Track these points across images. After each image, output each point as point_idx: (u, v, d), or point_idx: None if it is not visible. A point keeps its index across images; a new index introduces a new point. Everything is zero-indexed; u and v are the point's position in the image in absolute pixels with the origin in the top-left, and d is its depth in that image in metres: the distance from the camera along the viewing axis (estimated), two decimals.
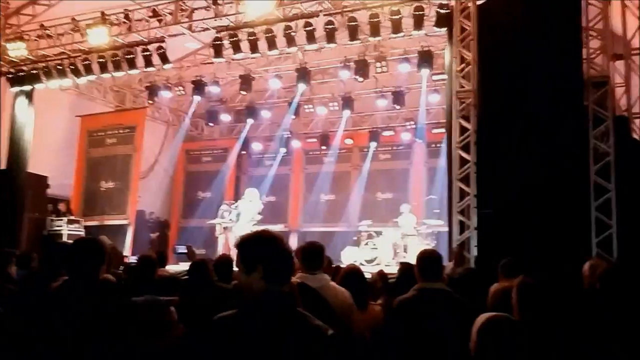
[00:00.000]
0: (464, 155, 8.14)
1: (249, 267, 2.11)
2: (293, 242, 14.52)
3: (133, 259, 10.53)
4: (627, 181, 7.12)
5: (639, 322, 2.62)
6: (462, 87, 8.37)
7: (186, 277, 4.69)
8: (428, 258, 3.65)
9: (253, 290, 2.08)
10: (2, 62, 12.70)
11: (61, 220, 12.82)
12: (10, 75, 12.71)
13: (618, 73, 7.98)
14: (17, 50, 12.05)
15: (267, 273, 2.06)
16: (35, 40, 12.30)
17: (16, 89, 12.78)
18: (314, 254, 3.72)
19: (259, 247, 2.11)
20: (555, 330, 2.24)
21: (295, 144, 17.20)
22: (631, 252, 6.71)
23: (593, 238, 7.08)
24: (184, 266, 8.13)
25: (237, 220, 12.79)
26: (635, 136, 7.70)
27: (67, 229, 12.59)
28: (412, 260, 8.28)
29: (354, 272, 3.93)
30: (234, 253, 10.34)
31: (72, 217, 13.17)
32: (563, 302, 2.36)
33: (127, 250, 13.47)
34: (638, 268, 5.51)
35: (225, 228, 13.09)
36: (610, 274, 2.99)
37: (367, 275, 6.06)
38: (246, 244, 2.16)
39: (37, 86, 12.80)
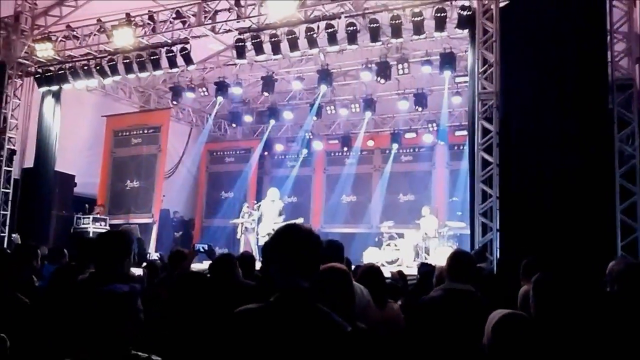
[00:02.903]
0: (487, 157, 8.09)
1: (271, 262, 2.14)
2: None
3: (155, 256, 10.71)
4: None
5: None
6: (485, 88, 8.33)
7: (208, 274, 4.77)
8: (458, 259, 3.62)
9: (275, 285, 2.12)
10: (30, 63, 13.00)
11: (88, 218, 13.06)
12: (37, 76, 12.99)
13: None
14: (44, 51, 12.32)
15: (287, 268, 2.08)
16: (62, 41, 12.56)
17: (44, 89, 13.05)
18: (332, 252, 3.76)
19: (281, 242, 2.13)
20: (571, 329, 2.23)
21: (317, 145, 17.25)
22: None
23: (618, 241, 6.99)
24: (207, 264, 8.23)
25: (259, 220, 12.89)
26: None
27: (93, 227, 12.82)
28: (433, 262, 8.30)
29: (373, 270, 3.95)
30: (256, 253, 10.43)
31: (97, 216, 13.40)
32: (581, 301, 2.35)
33: (151, 248, 13.68)
34: None
35: (246, 229, 13.20)
36: (626, 274, 2.96)
37: (387, 275, 6.09)
38: (270, 239, 2.18)
39: (64, 86, 13.05)
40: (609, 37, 7.41)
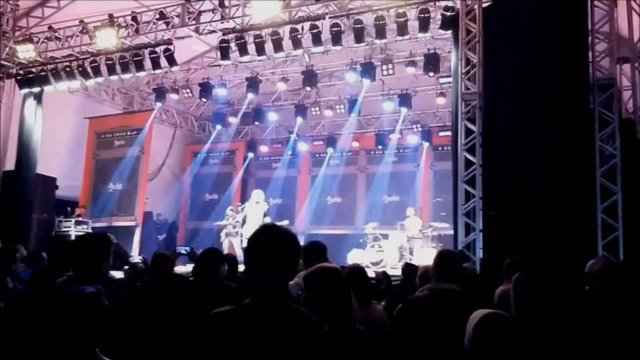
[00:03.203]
0: (470, 157, 8.13)
1: (250, 263, 2.14)
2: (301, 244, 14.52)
3: (138, 259, 10.61)
4: (633, 184, 7.08)
5: (633, 322, 2.61)
6: (468, 89, 8.37)
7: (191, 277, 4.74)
8: (445, 258, 3.61)
9: (253, 286, 2.11)
10: (11, 64, 12.83)
11: (69, 221, 12.91)
12: (19, 77, 12.82)
13: (625, 76, 7.94)
14: (26, 52, 12.18)
15: (264, 268, 2.08)
16: (44, 42, 12.43)
17: (25, 90, 12.89)
18: (315, 253, 3.74)
19: (257, 242, 2.13)
20: (551, 328, 2.24)
21: (302, 146, 17.24)
22: (637, 254, 6.68)
23: (599, 241, 7.05)
24: (190, 267, 8.18)
25: (243, 222, 12.84)
26: None
27: (75, 230, 12.67)
28: (418, 262, 8.31)
29: (356, 271, 3.94)
30: (240, 256, 10.38)
31: (79, 219, 13.25)
32: (561, 300, 2.36)
33: (134, 251, 13.55)
34: None
35: (228, 233, 13.13)
36: (605, 273, 2.98)
37: (371, 275, 6.08)
38: (248, 239, 2.19)
39: (46, 88, 12.90)
40: (590, 38, 7.49)
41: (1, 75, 12.88)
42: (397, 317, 3.50)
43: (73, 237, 12.26)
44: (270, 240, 2.11)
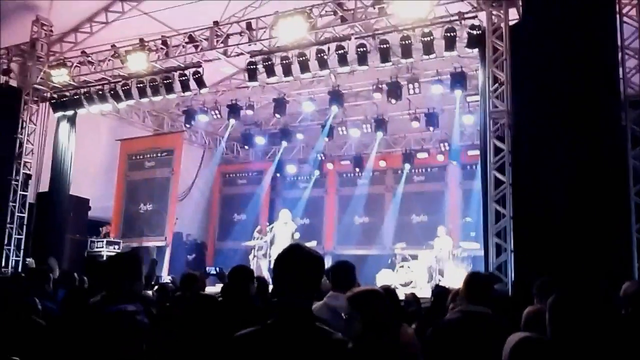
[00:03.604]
0: (499, 176, 8.04)
1: (275, 282, 2.17)
2: (327, 265, 14.48)
3: (167, 279, 10.70)
4: None
5: None
6: (496, 107, 8.31)
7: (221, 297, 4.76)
8: (475, 281, 3.60)
9: (277, 305, 2.14)
10: (45, 88, 13.22)
11: (102, 241, 13.13)
12: (53, 101, 13.20)
13: None
14: (60, 77, 12.53)
15: (287, 287, 2.12)
16: (77, 66, 12.77)
17: (59, 114, 13.24)
18: (344, 273, 3.73)
19: (281, 261, 2.17)
20: (587, 352, 2.18)
21: (329, 166, 17.28)
22: None
23: (635, 261, 6.86)
24: (219, 287, 8.20)
25: (272, 242, 12.88)
26: None
27: (107, 250, 12.88)
28: (447, 284, 8.20)
29: (387, 293, 3.90)
30: (268, 277, 10.43)
31: (111, 239, 13.47)
32: (597, 323, 2.30)
33: (164, 271, 13.69)
34: None
35: (255, 256, 13.17)
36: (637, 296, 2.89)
37: (401, 297, 6.02)
38: (275, 259, 2.23)
39: (79, 111, 13.22)
40: (620, 54, 7.38)
41: (36, 99, 13.27)
42: (429, 340, 3.46)
43: (105, 257, 12.46)
44: (294, 260, 2.15)
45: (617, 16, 7.41)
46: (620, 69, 7.36)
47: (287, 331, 2.05)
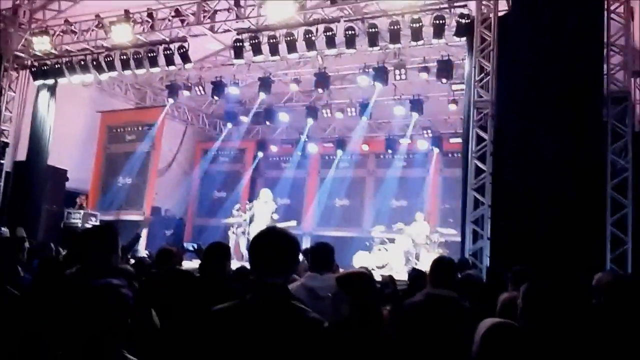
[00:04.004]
0: (480, 165, 8.11)
1: (252, 264, 2.21)
2: (306, 245, 14.55)
3: (144, 253, 10.66)
4: None
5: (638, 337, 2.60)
6: (481, 97, 8.35)
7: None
8: (440, 265, 3.67)
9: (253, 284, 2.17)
10: (26, 56, 12.94)
11: (79, 213, 12.99)
12: (34, 69, 12.93)
13: (638, 89, 7.90)
14: (41, 45, 12.28)
15: (262, 266, 2.16)
16: (60, 35, 12.52)
17: (39, 82, 12.99)
18: (322, 255, 3.76)
19: (257, 242, 2.23)
20: (558, 340, 2.23)
21: (312, 148, 17.26)
22: None
23: (608, 253, 7.01)
24: (197, 263, 8.19)
25: (251, 220, 12.87)
26: None
27: (84, 222, 12.75)
28: (424, 267, 8.28)
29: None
30: (245, 255, 10.41)
31: (88, 211, 13.33)
32: (569, 312, 2.36)
33: (141, 245, 13.61)
34: None
35: (235, 232, 13.17)
36: (613, 286, 2.96)
37: (378, 279, 6.07)
38: (252, 241, 2.28)
39: (60, 80, 13.00)
40: (605, 50, 7.45)
41: (16, 66, 13.00)
42: (395, 322, 3.52)
43: (81, 228, 12.34)
44: (270, 241, 2.20)
45: (605, 12, 7.46)
46: (605, 65, 7.42)
47: (263, 308, 2.08)
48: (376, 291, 2.68)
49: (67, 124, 13.72)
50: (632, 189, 7.11)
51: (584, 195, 6.88)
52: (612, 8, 7.66)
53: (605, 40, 7.46)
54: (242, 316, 2.08)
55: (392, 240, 12.66)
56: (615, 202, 7.15)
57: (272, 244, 2.18)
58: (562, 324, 2.29)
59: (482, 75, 8.41)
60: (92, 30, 12.18)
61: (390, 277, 5.67)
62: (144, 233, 13.88)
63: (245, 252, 12.48)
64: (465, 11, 9.36)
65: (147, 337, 2.68)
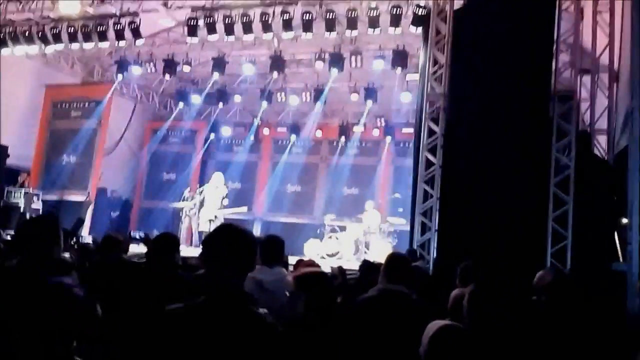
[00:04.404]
0: (431, 157, 8.22)
1: (207, 261, 2.15)
2: (256, 231, 14.50)
3: (88, 239, 10.35)
4: (585, 195, 7.30)
5: (580, 335, 2.70)
6: (434, 89, 8.43)
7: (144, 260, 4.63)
8: (396, 261, 3.69)
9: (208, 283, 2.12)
10: None
11: (19, 191, 12.47)
12: None
13: (585, 88, 8.15)
14: None
15: (221, 268, 2.10)
16: (3, 2, 11.88)
17: None
18: (273, 248, 3.73)
19: (216, 242, 2.16)
20: (503, 341, 2.29)
21: (265, 131, 17.11)
22: (583, 264, 6.90)
23: (548, 248, 7.25)
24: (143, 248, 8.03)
25: (201, 204, 12.69)
26: (596, 152, 7.89)
27: (24, 201, 12.26)
28: (373, 257, 8.38)
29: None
30: (196, 238, 10.28)
31: (30, 190, 12.81)
32: (513, 313, 2.43)
33: (86, 227, 13.23)
34: (587, 280, 5.70)
35: (187, 214, 12.97)
36: (554, 285, 3.06)
37: (327, 270, 6.09)
38: (206, 238, 2.23)
39: (3, 51, 12.38)
40: (554, 47, 7.63)
41: None
42: (347, 316, 3.54)
43: (22, 209, 11.86)
44: (227, 242, 2.14)
45: (557, 10, 7.62)
46: (554, 63, 7.61)
47: (219, 311, 2.04)
48: (332, 290, 2.67)
49: (8, 98, 13.05)
50: (574, 186, 7.36)
51: (528, 190, 7.08)
52: (563, 7, 7.84)
53: (555, 38, 7.63)
54: (197, 319, 2.04)
55: (343, 228, 12.75)
56: (557, 199, 7.38)
57: (230, 246, 2.12)
58: (506, 324, 2.35)
59: (436, 68, 8.49)
60: (38, 0, 11.62)
61: (340, 268, 5.71)
62: (89, 214, 13.49)
63: (196, 236, 12.31)
64: (422, 2, 9.41)
65: (91, 330, 2.59)
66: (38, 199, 12.63)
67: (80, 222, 9.96)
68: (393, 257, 3.75)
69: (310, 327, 2.58)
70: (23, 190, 12.51)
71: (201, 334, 2.00)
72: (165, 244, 3.81)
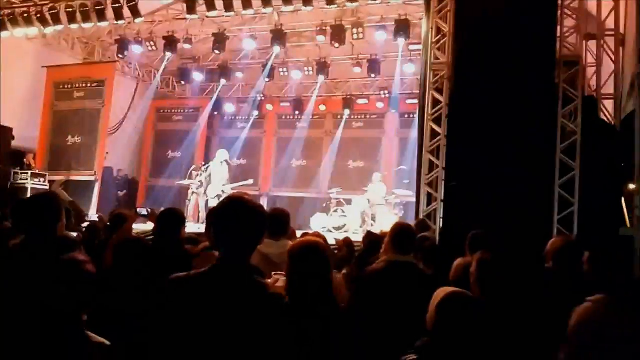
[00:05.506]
0: (435, 127, 8.15)
1: (215, 232, 2.12)
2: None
3: (95, 217, 10.41)
4: (591, 161, 7.25)
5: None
6: (437, 59, 8.32)
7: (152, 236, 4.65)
8: (402, 232, 3.68)
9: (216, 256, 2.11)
10: None
11: (26, 173, 12.53)
12: None
13: (590, 53, 8.03)
14: None
15: (229, 239, 2.07)
16: None
17: None
18: (278, 221, 3.73)
19: (226, 214, 2.12)
20: (512, 308, 2.29)
21: (268, 107, 17.03)
22: (590, 230, 6.89)
23: (555, 215, 7.23)
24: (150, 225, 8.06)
25: (208, 181, 12.71)
26: (602, 117, 7.81)
27: (31, 183, 12.32)
28: (379, 229, 8.37)
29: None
30: (204, 215, 10.29)
31: (36, 171, 12.86)
32: (522, 280, 2.42)
33: (93, 206, 13.31)
34: (594, 246, 5.68)
35: (195, 192, 13.00)
36: (562, 252, 3.05)
37: (333, 242, 6.11)
38: (216, 208, 2.19)
39: (2, 34, 12.30)
40: (559, 13, 7.50)
41: None
42: (355, 289, 3.55)
43: (29, 191, 11.91)
44: (237, 215, 2.09)
45: None
46: (558, 28, 7.49)
47: (222, 280, 2.03)
48: (327, 261, 2.60)
49: (10, 80, 13.02)
50: (580, 152, 7.31)
51: (535, 157, 7.04)
52: None
53: (559, 2, 7.50)
54: (200, 287, 2.03)
55: (349, 202, 12.76)
56: (563, 165, 7.33)
57: (239, 218, 2.07)
58: (516, 292, 2.35)
59: (439, 37, 8.37)
60: None
61: (346, 240, 5.71)
62: (95, 194, 13.55)
63: (203, 215, 12.35)
64: None
65: (98, 307, 2.61)
66: (45, 180, 12.68)
67: (73, 204, 9.97)
68: (399, 228, 3.73)
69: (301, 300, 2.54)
70: (30, 172, 12.56)
71: (204, 300, 2.00)
72: (170, 218, 3.82)
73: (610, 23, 7.88)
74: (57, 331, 2.00)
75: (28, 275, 2.19)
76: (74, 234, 5.21)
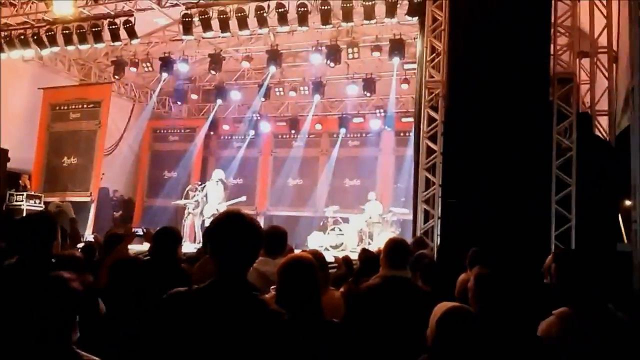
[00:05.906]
0: (431, 145, 8.18)
1: (211, 248, 2.10)
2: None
3: (90, 238, 10.34)
4: (587, 177, 7.27)
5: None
6: (432, 77, 8.39)
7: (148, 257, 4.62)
8: (396, 246, 3.66)
9: (214, 273, 2.08)
10: None
11: (21, 195, 12.48)
12: None
13: (584, 70, 8.10)
14: None
15: (226, 255, 2.05)
16: None
17: None
18: (276, 239, 3.71)
19: (222, 229, 2.09)
20: (511, 323, 2.27)
21: (265, 127, 17.08)
22: (588, 245, 6.88)
23: (552, 231, 7.23)
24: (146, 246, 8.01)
25: (204, 201, 12.69)
26: (597, 133, 7.85)
27: (27, 205, 12.27)
28: (376, 247, 8.34)
29: (315, 256, 3.91)
30: (199, 236, 10.22)
31: (32, 193, 12.82)
32: (521, 295, 2.40)
33: (89, 227, 13.23)
34: (592, 262, 5.67)
35: (190, 212, 12.96)
36: (562, 266, 3.04)
37: (332, 260, 6.08)
38: (212, 223, 2.15)
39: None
40: (552, 31, 7.58)
41: None
42: (350, 305, 3.52)
43: (25, 212, 11.86)
44: (233, 229, 2.06)
45: None
46: (552, 46, 7.57)
47: (223, 296, 2.00)
48: (313, 275, 2.57)
49: (7, 102, 13.05)
50: (576, 168, 7.33)
51: (531, 174, 7.05)
52: None
53: (552, 21, 7.59)
54: (197, 303, 2.00)
55: (346, 220, 12.74)
56: (559, 181, 7.35)
57: (237, 233, 2.04)
58: (515, 307, 2.33)
59: (433, 55, 8.44)
60: (32, 3, 11.60)
61: (345, 258, 5.69)
62: (91, 215, 13.49)
63: (199, 234, 12.31)
64: None
65: (92, 325, 2.58)
66: (40, 201, 12.63)
67: (73, 221, 9.88)
68: (392, 243, 3.71)
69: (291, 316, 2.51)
70: (25, 194, 12.52)
71: (202, 317, 1.97)
72: (166, 237, 3.80)
73: (603, 40, 7.96)
74: (45, 349, 1.96)
75: (17, 293, 2.17)
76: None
